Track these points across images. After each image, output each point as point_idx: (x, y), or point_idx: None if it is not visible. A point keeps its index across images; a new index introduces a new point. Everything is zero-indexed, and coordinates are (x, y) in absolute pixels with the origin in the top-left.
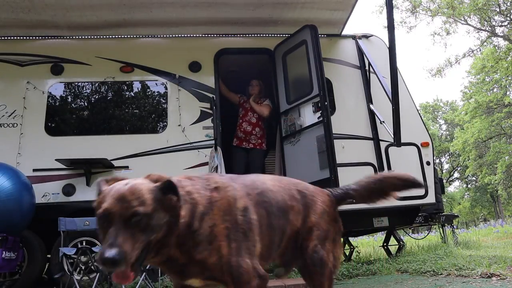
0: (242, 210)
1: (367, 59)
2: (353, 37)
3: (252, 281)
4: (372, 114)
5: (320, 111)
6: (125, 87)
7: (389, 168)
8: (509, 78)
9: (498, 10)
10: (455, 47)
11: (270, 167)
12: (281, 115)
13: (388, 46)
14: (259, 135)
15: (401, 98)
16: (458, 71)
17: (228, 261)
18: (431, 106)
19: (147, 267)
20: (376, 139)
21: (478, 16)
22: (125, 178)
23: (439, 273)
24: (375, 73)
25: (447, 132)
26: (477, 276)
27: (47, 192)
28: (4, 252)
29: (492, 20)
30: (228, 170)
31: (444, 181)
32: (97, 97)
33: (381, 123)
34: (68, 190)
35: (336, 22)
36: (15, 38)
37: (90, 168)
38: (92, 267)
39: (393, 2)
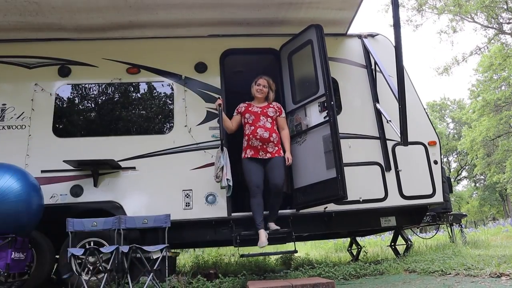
0: None
1: (373, 58)
2: (359, 36)
3: None
4: (378, 113)
5: (326, 111)
6: (132, 88)
7: (396, 167)
8: None
9: (505, 7)
10: (462, 45)
11: None
12: (287, 115)
13: (394, 45)
14: (276, 141)
15: (408, 97)
16: (465, 69)
17: None
18: (438, 105)
19: (155, 268)
20: (383, 138)
21: (485, 13)
22: None
23: (447, 273)
24: (381, 72)
25: (455, 131)
26: (486, 275)
27: (55, 193)
28: (13, 252)
29: (499, 17)
30: (236, 185)
31: (452, 180)
32: (104, 98)
33: (387, 122)
34: (76, 191)
35: (342, 21)
36: (23, 40)
37: (97, 169)
38: (100, 267)
39: (398, 0)
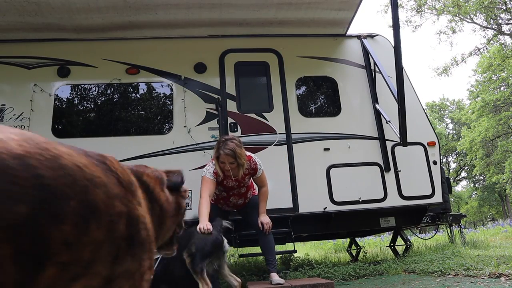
0: None
1: (373, 58)
2: (359, 37)
3: None
4: (378, 114)
5: None
6: (131, 89)
7: (395, 168)
8: None
9: (504, 8)
10: (461, 46)
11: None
12: None
13: (393, 46)
14: (252, 190)
15: (407, 98)
16: (464, 70)
17: None
18: (437, 105)
19: (154, 268)
20: (382, 138)
21: (484, 14)
22: None
23: (446, 273)
24: (380, 72)
25: (454, 131)
26: (485, 276)
27: None
28: None
29: (498, 18)
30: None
31: (451, 180)
32: (103, 99)
33: (387, 122)
34: None
35: (341, 21)
36: (22, 41)
37: None
38: None
39: (398, 1)
